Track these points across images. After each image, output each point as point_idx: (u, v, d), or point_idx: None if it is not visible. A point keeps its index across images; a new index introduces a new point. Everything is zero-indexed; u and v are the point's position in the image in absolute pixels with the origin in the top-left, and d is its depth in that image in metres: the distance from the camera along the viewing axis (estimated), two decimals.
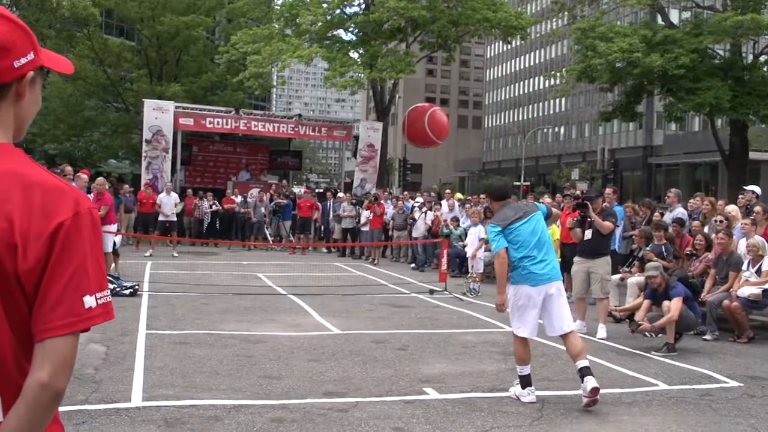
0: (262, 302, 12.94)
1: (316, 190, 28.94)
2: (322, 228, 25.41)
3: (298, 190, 32.58)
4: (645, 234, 12.48)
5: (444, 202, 21.22)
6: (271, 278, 16.55)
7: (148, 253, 20.56)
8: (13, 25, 1.80)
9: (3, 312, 1.72)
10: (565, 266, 14.25)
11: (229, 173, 31.08)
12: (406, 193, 26.68)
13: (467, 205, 19.19)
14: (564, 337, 7.15)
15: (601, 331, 10.69)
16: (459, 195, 24.18)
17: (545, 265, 7.15)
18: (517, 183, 70.59)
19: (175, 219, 22.55)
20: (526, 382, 7.04)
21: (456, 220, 19.13)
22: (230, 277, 16.65)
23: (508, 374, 8.07)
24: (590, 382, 6.73)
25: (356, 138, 29.91)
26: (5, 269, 1.70)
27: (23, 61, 1.80)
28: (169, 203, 22.25)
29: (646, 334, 10.27)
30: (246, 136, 29.89)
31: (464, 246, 17.71)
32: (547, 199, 17.94)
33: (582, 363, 6.91)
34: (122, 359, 8.15)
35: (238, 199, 25.90)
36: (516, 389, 7.10)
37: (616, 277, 12.51)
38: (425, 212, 20.82)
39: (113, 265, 14.43)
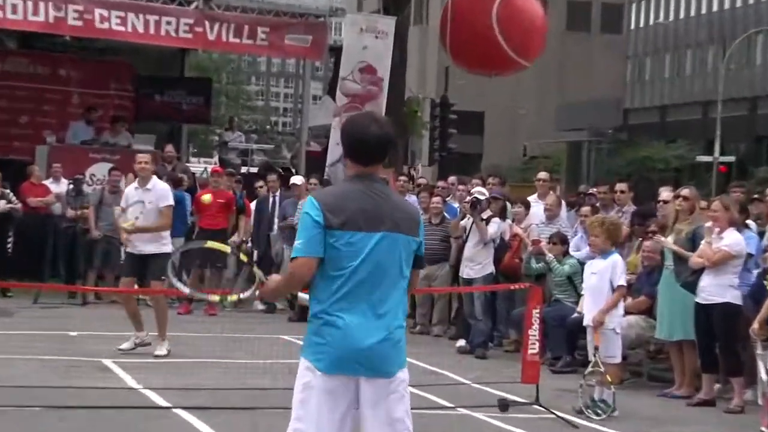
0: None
1: (243, 169, 17.13)
2: (254, 246, 13.49)
3: (203, 167, 19.87)
4: None
5: (534, 204, 11.01)
6: (140, 369, 8.20)
7: None
8: None
9: None
10: None
11: (41, 128, 16.18)
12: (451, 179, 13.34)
13: (583, 210, 10.21)
14: None
15: None
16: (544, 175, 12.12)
17: None
18: (704, 158, 39.16)
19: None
20: None
21: (562, 241, 9.63)
22: (39, 367, 8.14)
23: None
24: None
25: (334, 52, 16.59)
26: None
27: None
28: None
29: None
30: (81, 41, 16.12)
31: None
32: None
33: None
34: None
35: (59, 186, 13.35)
36: None
37: None
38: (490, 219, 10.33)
39: None
